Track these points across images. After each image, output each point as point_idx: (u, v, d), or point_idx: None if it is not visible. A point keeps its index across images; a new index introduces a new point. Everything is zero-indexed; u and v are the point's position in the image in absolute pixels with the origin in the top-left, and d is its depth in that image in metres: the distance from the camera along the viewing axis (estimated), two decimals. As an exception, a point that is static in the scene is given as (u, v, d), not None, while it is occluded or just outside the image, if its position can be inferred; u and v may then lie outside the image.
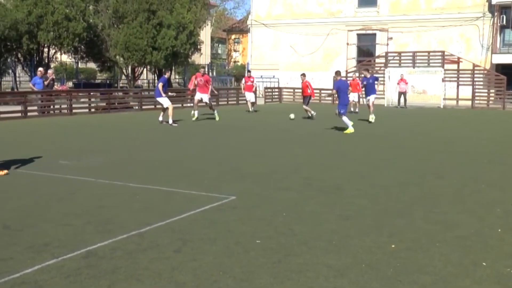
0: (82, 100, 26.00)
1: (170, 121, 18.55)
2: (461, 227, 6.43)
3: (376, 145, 14.19)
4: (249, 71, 30.62)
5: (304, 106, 22.22)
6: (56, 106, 23.75)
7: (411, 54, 36.34)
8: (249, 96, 26.78)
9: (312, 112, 21.82)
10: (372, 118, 20.67)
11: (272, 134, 16.72)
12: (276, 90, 37.89)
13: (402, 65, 36.04)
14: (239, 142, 14.60)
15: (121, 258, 5.23)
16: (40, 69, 24.01)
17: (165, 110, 19.17)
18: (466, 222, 6.67)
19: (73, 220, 6.54)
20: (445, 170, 10.39)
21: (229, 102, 32.43)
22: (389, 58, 36.93)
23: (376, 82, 22.52)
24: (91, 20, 36.37)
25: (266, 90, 36.76)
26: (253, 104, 26.64)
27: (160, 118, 19.14)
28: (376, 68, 36.79)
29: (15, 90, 34.17)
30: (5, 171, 9.41)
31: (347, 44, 39.47)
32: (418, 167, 10.80)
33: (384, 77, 34.43)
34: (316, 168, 10.53)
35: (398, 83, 32.51)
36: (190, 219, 6.68)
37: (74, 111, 23.08)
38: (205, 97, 20.68)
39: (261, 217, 6.80)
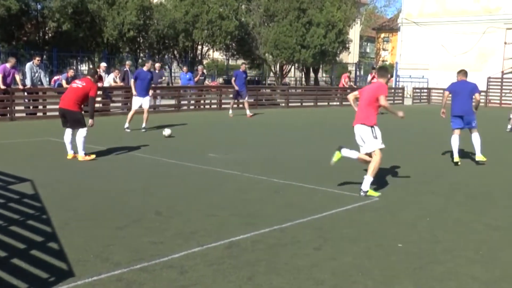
0: (231, 95, 26.84)
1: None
2: None
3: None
4: (373, 68, 28.06)
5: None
6: (207, 101, 24.79)
7: None
8: None
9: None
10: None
11: (418, 136, 16.19)
12: (425, 90, 36.61)
13: None
14: (386, 143, 14.27)
15: (262, 251, 5.36)
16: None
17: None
18: None
19: (218, 211, 6.81)
20: None
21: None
22: (552, 59, 34.24)
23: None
24: (243, 19, 37.59)
25: (414, 91, 35.67)
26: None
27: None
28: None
29: (170, 85, 36.10)
30: (93, 156, 10.21)
31: (505, 43, 37.08)
32: None
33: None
34: (465, 173, 10.04)
35: None
36: (331, 217, 6.68)
37: (223, 106, 23.95)
38: None
39: (404, 220, 6.62)
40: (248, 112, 20.47)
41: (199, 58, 39.13)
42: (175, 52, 38.13)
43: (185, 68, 25.90)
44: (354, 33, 52.52)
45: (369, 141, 7.89)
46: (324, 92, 31.82)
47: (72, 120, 10.13)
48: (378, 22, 68.38)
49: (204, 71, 25.60)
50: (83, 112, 10.32)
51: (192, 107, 23.59)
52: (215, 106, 24.18)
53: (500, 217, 6.92)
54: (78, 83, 10.30)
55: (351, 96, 8.57)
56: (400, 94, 34.24)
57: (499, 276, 4.89)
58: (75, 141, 10.16)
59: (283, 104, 27.18)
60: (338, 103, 29.54)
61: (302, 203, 7.33)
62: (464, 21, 38.48)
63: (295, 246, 5.52)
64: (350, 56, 52.60)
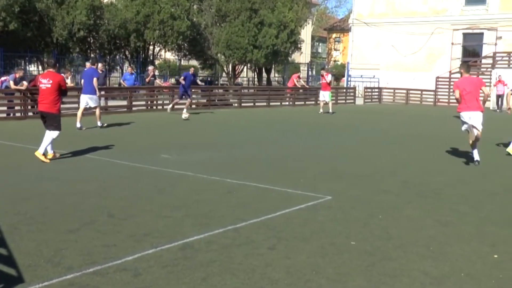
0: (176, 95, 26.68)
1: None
2: None
3: (486, 150, 13.55)
4: (322, 69, 27.83)
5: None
6: (159, 102, 24.56)
7: (522, 54, 34.45)
8: (322, 96, 24.34)
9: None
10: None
11: (371, 134, 16.45)
12: (376, 90, 37.24)
13: (511, 66, 34.26)
14: (338, 142, 14.48)
15: (216, 251, 5.34)
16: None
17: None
18: None
19: (172, 212, 6.76)
20: (556, 179, 9.78)
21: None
22: (497, 58, 35.22)
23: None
24: (194, 19, 37.42)
25: (365, 90, 36.22)
26: (325, 103, 24.13)
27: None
28: (483, 69, 35.22)
29: (122, 85, 35.58)
30: (48, 161, 10.14)
31: (452, 43, 38.06)
32: (525, 174, 10.25)
33: (490, 78, 32.85)
34: (416, 171, 10.25)
35: (495, 85, 30.93)
36: (285, 217, 6.71)
37: (176, 107, 23.74)
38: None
39: (357, 218, 6.71)
40: (185, 111, 20.21)
41: (151, 58, 38.75)
42: (127, 52, 37.63)
43: (129, 69, 25.62)
44: (306, 33, 52.98)
45: (480, 125, 10.74)
46: (277, 92, 31.99)
47: (50, 120, 10.30)
48: (330, 22, 69.16)
49: (156, 71, 25.37)
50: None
51: (144, 107, 23.34)
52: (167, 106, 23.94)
53: (449, 213, 7.09)
54: (44, 83, 10.26)
55: (457, 93, 10.80)
56: (351, 94, 34.70)
57: (449, 271, 5.01)
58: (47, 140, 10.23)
59: (236, 104, 27.19)
60: (290, 103, 29.74)
61: (255, 203, 7.34)
62: (413, 22, 39.32)
63: (249, 246, 5.53)
64: (302, 56, 53.03)
